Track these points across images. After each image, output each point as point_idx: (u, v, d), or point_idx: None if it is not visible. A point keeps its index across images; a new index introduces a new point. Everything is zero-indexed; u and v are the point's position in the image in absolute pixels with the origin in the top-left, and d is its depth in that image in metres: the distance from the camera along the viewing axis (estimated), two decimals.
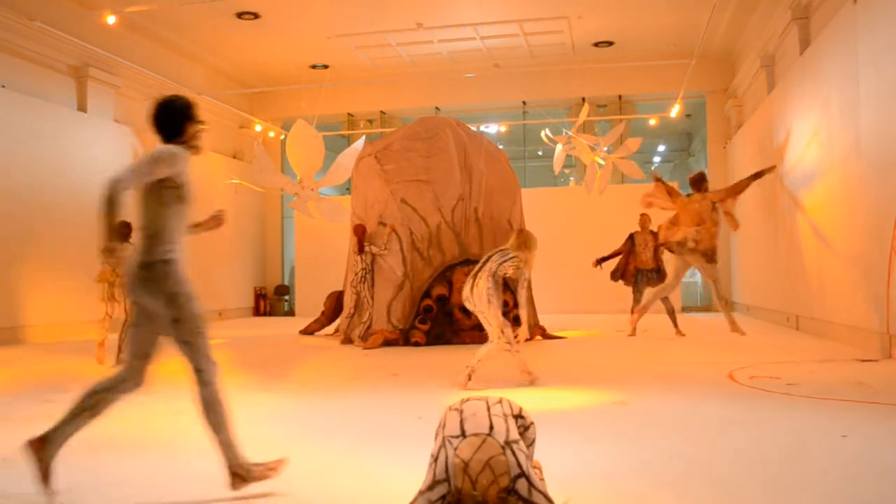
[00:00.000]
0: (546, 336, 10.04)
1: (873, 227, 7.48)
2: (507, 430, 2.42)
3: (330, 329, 11.55)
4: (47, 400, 5.61)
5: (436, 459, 2.40)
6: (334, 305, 11.47)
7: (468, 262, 9.30)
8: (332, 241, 15.00)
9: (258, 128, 15.99)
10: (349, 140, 17.18)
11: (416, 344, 9.31)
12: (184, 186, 3.30)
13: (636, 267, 10.15)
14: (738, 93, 15.21)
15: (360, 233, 9.95)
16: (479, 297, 5.84)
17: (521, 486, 2.31)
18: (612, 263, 10.37)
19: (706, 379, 6.21)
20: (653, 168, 22.85)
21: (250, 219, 17.34)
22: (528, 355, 8.49)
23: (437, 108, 16.72)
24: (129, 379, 3.27)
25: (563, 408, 5.02)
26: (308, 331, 11.62)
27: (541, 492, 2.35)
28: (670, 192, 9.37)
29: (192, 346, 3.16)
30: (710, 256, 8.89)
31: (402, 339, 9.40)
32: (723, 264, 15.90)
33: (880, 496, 3.01)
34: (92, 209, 12.79)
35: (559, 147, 13.21)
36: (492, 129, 17.23)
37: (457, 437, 2.39)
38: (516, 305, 9.63)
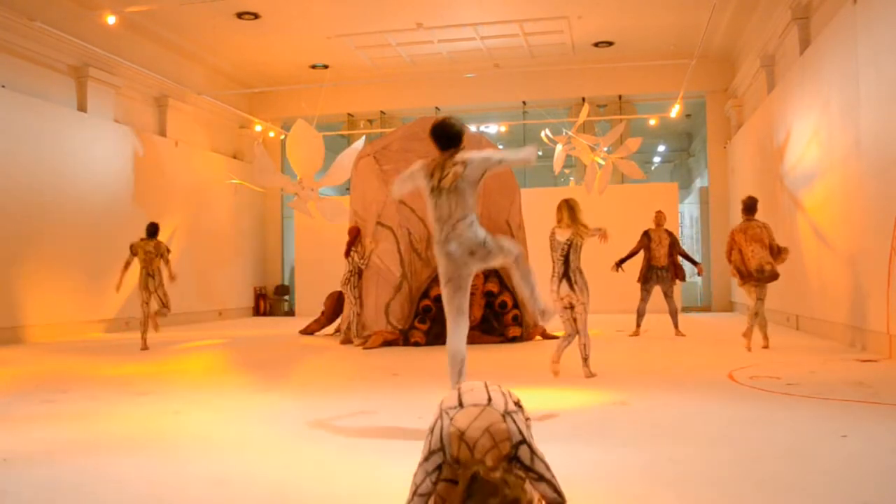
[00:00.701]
0: (546, 336, 10.03)
1: (873, 228, 7.48)
2: (506, 403, 2.36)
3: (330, 329, 11.56)
4: (47, 400, 5.61)
5: (432, 430, 2.34)
6: (334, 305, 11.49)
7: None
8: (332, 241, 14.97)
9: (258, 128, 15.99)
10: (349, 140, 17.19)
11: (416, 344, 9.32)
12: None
13: (650, 263, 10.09)
14: (738, 93, 15.22)
15: (352, 236, 10.03)
16: (581, 289, 6.11)
17: (524, 452, 2.24)
18: (628, 263, 10.19)
19: (706, 379, 6.21)
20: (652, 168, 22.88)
21: (250, 219, 17.34)
22: (529, 355, 8.52)
23: (437, 108, 16.72)
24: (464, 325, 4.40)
25: (563, 408, 5.02)
26: (308, 331, 11.63)
27: (542, 461, 2.29)
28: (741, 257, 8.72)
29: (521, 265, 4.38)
30: (773, 279, 8.41)
31: (402, 339, 9.41)
32: (723, 264, 15.96)
33: (880, 496, 3.01)
34: (92, 209, 12.78)
35: (559, 147, 13.21)
36: (492, 129, 17.23)
37: (454, 407, 2.33)
38: (515, 306, 9.68)
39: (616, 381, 6.13)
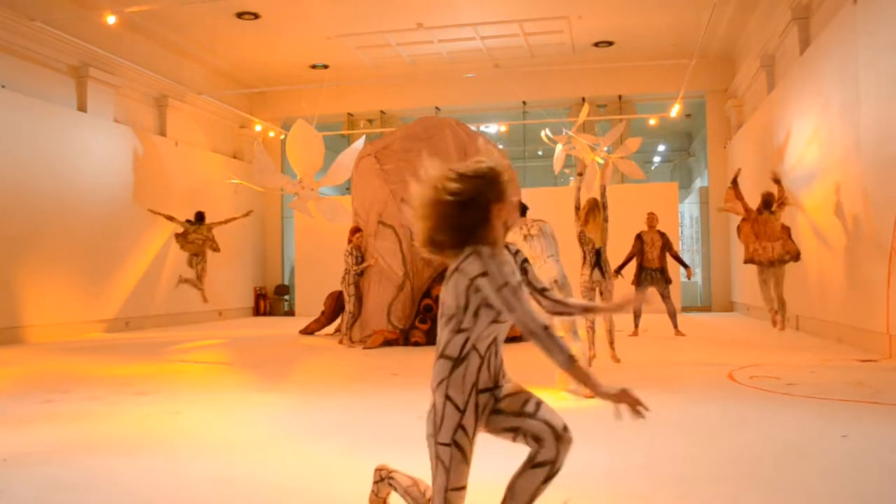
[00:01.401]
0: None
1: (873, 227, 7.49)
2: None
3: (330, 329, 11.56)
4: (47, 400, 5.61)
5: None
6: (334, 305, 11.49)
7: None
8: (332, 241, 14.98)
9: (258, 128, 15.99)
10: (349, 140, 17.18)
11: (416, 344, 9.32)
12: None
13: (642, 266, 10.12)
14: (738, 93, 15.22)
15: (352, 235, 10.10)
16: (609, 277, 6.95)
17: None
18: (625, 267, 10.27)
19: (706, 379, 6.21)
20: (652, 168, 22.88)
21: (250, 219, 17.31)
22: (528, 355, 8.51)
23: (437, 108, 16.72)
24: None
25: (563, 408, 5.02)
26: (308, 331, 11.64)
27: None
28: (747, 209, 9.20)
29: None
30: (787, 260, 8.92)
31: (402, 338, 9.41)
32: (723, 264, 15.99)
33: (880, 496, 3.01)
34: (92, 209, 12.76)
35: (559, 147, 13.20)
36: (492, 129, 17.23)
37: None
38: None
39: (616, 381, 6.11)
